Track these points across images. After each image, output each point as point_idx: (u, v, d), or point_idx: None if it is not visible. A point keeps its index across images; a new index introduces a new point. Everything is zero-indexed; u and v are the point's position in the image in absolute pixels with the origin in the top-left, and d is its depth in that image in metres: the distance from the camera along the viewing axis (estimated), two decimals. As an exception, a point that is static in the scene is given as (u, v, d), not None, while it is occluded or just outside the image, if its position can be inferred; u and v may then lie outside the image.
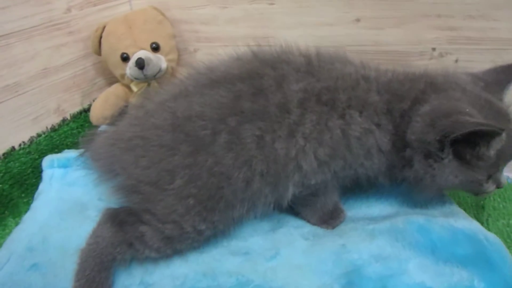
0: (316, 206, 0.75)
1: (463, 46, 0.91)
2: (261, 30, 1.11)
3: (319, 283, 0.63)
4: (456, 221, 0.69)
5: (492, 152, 0.64)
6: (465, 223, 0.69)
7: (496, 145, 0.64)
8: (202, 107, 0.67)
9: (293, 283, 0.64)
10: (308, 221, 0.77)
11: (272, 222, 0.77)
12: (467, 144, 0.63)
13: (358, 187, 0.75)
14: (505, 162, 0.69)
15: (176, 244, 0.67)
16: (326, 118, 0.67)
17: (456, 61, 0.92)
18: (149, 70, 1.04)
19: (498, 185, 0.70)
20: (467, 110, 0.63)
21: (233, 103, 0.67)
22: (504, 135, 0.62)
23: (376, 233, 0.70)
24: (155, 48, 1.08)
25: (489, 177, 0.68)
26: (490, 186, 0.70)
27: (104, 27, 1.09)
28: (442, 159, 0.64)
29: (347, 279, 0.63)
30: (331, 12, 1.00)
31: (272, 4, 1.06)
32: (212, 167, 0.65)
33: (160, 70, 1.07)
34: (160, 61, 1.08)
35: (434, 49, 0.94)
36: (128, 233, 0.66)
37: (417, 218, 0.70)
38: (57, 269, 0.69)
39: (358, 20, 0.98)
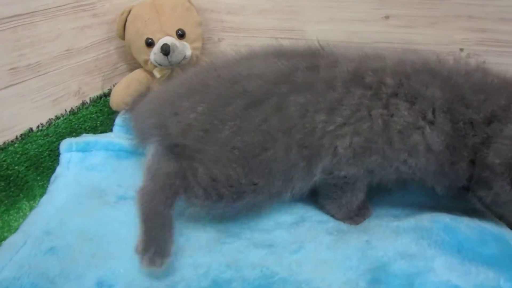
0: (341, 201, 0.74)
1: (492, 48, 0.89)
2: (290, 22, 1.08)
3: (344, 279, 0.62)
4: (482, 221, 0.67)
5: None
6: (492, 223, 0.67)
7: None
8: (263, 69, 0.73)
9: (319, 277, 0.62)
10: (333, 216, 0.76)
11: (295, 216, 0.76)
12: None
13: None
14: None
15: (220, 188, 0.68)
16: (368, 103, 0.66)
17: (484, 62, 0.89)
18: (174, 57, 1.02)
19: None
20: None
21: (289, 72, 0.72)
22: None
23: (400, 231, 0.68)
24: (181, 35, 1.05)
25: None
26: None
27: (130, 11, 1.06)
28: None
29: (372, 276, 0.62)
30: (361, 8, 0.98)
31: (302, -4, 1.04)
32: (260, 125, 0.69)
33: (184, 57, 1.05)
34: (185, 48, 1.05)
35: (462, 49, 0.92)
36: (183, 165, 0.70)
37: (443, 217, 0.68)
38: (75, 253, 0.67)
39: (387, 17, 0.96)
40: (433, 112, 0.65)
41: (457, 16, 0.90)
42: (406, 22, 0.95)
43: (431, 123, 0.65)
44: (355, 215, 0.75)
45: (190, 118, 0.72)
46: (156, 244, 0.63)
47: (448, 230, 0.66)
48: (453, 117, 0.65)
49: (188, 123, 0.72)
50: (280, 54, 0.77)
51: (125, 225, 0.72)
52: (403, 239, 0.67)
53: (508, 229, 0.66)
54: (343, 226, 0.74)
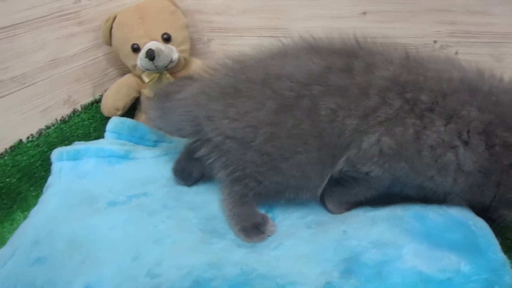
0: (351, 192, 0.73)
1: (462, 39, 0.91)
2: (275, 21, 1.09)
3: (319, 271, 0.63)
4: (449, 208, 0.69)
5: None
6: (457, 209, 0.69)
7: None
8: (293, 68, 0.69)
9: (296, 271, 0.64)
10: (324, 200, 0.76)
11: (274, 213, 0.78)
12: None
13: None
14: None
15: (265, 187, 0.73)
16: (403, 115, 0.64)
17: (456, 53, 0.92)
18: (160, 61, 1.02)
19: None
20: None
21: (322, 72, 0.68)
22: None
23: (376, 220, 0.70)
24: (167, 39, 1.06)
25: None
26: None
27: (115, 17, 1.06)
28: None
29: (345, 266, 0.63)
30: (340, 5, 0.99)
31: (284, -5, 1.05)
32: (291, 129, 0.68)
33: (171, 61, 1.05)
34: (172, 52, 1.05)
35: (435, 41, 0.94)
36: (236, 178, 0.73)
37: (414, 205, 0.70)
38: (63, 261, 0.68)
39: (364, 13, 0.98)
40: (468, 133, 0.63)
41: (428, 10, 0.91)
42: (382, 17, 0.96)
43: (466, 143, 0.63)
44: (345, 209, 0.75)
45: (223, 125, 0.71)
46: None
47: (418, 218, 0.68)
48: (489, 139, 0.63)
49: (222, 132, 0.72)
50: (313, 51, 0.72)
51: (114, 230, 0.73)
52: (378, 228, 0.68)
53: (473, 215, 0.68)
54: (322, 217, 0.74)
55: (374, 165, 0.67)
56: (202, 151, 0.76)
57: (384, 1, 0.94)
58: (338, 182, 0.73)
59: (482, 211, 0.68)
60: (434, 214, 0.68)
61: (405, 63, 0.68)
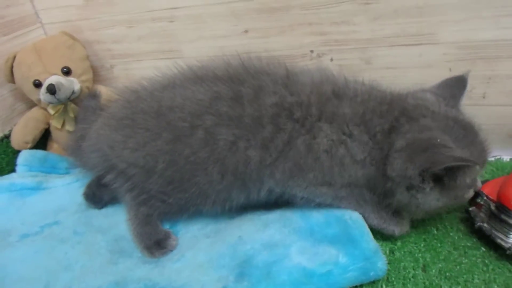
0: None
1: (334, 47, 0.99)
2: (167, 44, 1.14)
3: (217, 277, 0.66)
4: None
5: (468, 180, 0.64)
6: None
7: (472, 174, 0.65)
8: (184, 100, 0.71)
9: (194, 280, 0.67)
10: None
11: (178, 228, 0.81)
12: (446, 173, 0.63)
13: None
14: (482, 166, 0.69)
15: (171, 205, 0.76)
16: (295, 135, 0.67)
17: (331, 59, 1.00)
18: (61, 94, 1.04)
19: (475, 189, 0.70)
20: (439, 140, 0.62)
21: (210, 102, 0.70)
22: (478, 167, 0.64)
23: (269, 222, 0.73)
24: (67, 72, 1.08)
25: (469, 186, 0.68)
26: (470, 193, 0.69)
27: (14, 57, 1.08)
28: (424, 189, 0.64)
29: (240, 270, 0.66)
30: (223, 26, 1.06)
31: (172, 21, 1.10)
32: (189, 157, 0.70)
33: (73, 92, 1.08)
34: (73, 83, 1.08)
35: (312, 51, 1.01)
36: (141, 199, 0.77)
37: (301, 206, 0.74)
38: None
39: (246, 31, 1.04)
40: (347, 126, 0.68)
41: (302, 24, 0.99)
42: (263, 33, 1.03)
43: (350, 135, 0.67)
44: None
45: (124, 155, 0.74)
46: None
47: (304, 217, 0.72)
48: (369, 129, 0.68)
49: (124, 160, 0.74)
50: (199, 80, 0.73)
51: (25, 262, 0.75)
52: (270, 230, 0.71)
53: (349, 210, 0.72)
54: (221, 225, 0.77)
55: (294, 187, 0.71)
56: (108, 177, 0.80)
57: (262, 19, 1.01)
58: None
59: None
60: (317, 212, 0.72)
61: (286, 82, 0.70)
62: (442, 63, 0.92)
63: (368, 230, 0.68)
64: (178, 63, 0.79)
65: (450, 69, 0.92)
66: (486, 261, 0.68)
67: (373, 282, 0.65)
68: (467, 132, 0.67)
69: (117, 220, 0.85)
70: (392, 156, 0.65)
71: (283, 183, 0.70)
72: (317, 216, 0.72)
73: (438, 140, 0.62)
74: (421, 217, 0.72)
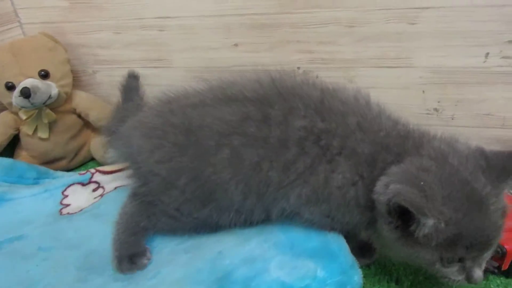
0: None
1: (320, 65, 1.04)
2: (156, 53, 1.15)
3: None
4: None
5: (425, 232, 0.56)
6: None
7: (429, 228, 0.55)
8: (213, 119, 0.70)
9: None
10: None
11: (154, 243, 0.77)
12: (409, 217, 0.56)
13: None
14: (474, 253, 0.58)
15: (177, 223, 0.75)
16: (317, 161, 0.65)
17: (317, 77, 1.04)
18: (36, 98, 1.01)
19: (469, 279, 0.60)
20: (422, 183, 0.56)
21: (239, 123, 0.68)
22: (437, 222, 0.55)
23: (249, 237, 0.71)
24: (44, 75, 1.05)
25: (449, 261, 0.59)
26: (455, 274, 0.61)
27: (-13, 56, 1.02)
28: (390, 223, 0.59)
29: (218, 285, 0.64)
30: (214, 38, 1.08)
31: (162, 30, 1.11)
32: (210, 176, 0.69)
33: (50, 97, 1.04)
34: (50, 88, 1.04)
35: (299, 68, 1.06)
36: (145, 209, 0.76)
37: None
38: None
39: (236, 45, 1.08)
40: (362, 165, 0.64)
41: (290, 42, 1.03)
42: (252, 48, 1.07)
43: (362, 177, 0.63)
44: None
45: (150, 163, 0.73)
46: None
47: (284, 231, 0.71)
48: (375, 167, 0.63)
49: (149, 168, 0.74)
50: (228, 100, 0.71)
51: None
52: (250, 245, 0.69)
53: None
54: (201, 240, 0.74)
55: (304, 211, 0.68)
56: (129, 172, 0.80)
57: (252, 34, 1.05)
58: None
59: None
60: (297, 226, 0.71)
61: (320, 107, 0.67)
62: (417, 85, 1.00)
63: (346, 244, 0.69)
64: (207, 80, 0.80)
65: (423, 91, 1.00)
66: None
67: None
68: (468, 201, 0.57)
69: (88, 234, 0.81)
70: (379, 178, 0.61)
71: (297, 207, 0.69)
72: (296, 230, 0.71)
73: (422, 183, 0.56)
74: (397, 259, 0.70)
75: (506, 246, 0.71)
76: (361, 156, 0.64)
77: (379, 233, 0.64)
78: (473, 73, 0.95)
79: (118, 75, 1.20)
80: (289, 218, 0.71)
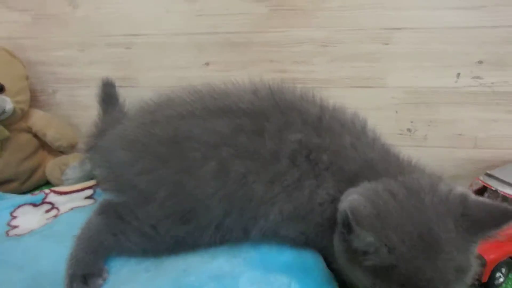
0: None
1: (292, 85, 1.01)
2: (122, 71, 1.10)
3: None
4: None
5: (359, 245, 0.53)
6: None
7: (366, 244, 0.52)
8: (202, 130, 0.66)
9: None
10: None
11: (112, 262, 0.72)
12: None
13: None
14: None
15: (151, 242, 0.69)
16: (305, 176, 0.63)
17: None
18: None
19: None
20: (380, 202, 0.54)
21: (231, 134, 0.65)
22: (380, 245, 0.51)
23: (217, 254, 0.68)
24: None
25: None
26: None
27: None
28: (340, 233, 0.56)
29: None
30: (184, 56, 1.05)
31: (129, 48, 1.07)
32: (192, 190, 0.65)
33: (4, 112, 0.98)
34: (4, 102, 0.99)
35: None
36: (114, 226, 0.69)
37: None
38: None
39: (207, 64, 1.05)
40: (344, 183, 0.62)
41: (263, 61, 1.02)
42: (223, 67, 1.05)
43: (341, 193, 0.60)
44: None
45: (129, 175, 0.69)
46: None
47: (255, 246, 0.68)
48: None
49: (127, 180, 0.69)
50: (220, 112, 0.68)
51: None
52: (218, 261, 0.66)
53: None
54: (162, 259, 0.70)
55: (281, 227, 0.65)
56: (106, 185, 0.76)
57: (224, 53, 1.03)
58: None
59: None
60: (269, 243, 0.68)
61: (317, 125, 0.66)
62: (390, 105, 0.99)
63: (322, 258, 0.67)
64: (196, 88, 0.75)
65: (396, 112, 1.00)
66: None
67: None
68: (420, 240, 0.52)
69: (38, 254, 0.74)
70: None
71: (275, 223, 0.65)
72: (268, 244, 0.68)
73: (380, 202, 0.54)
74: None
75: (485, 257, 0.68)
76: (346, 173, 0.63)
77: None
78: (445, 93, 0.96)
79: (80, 95, 1.16)
80: (265, 236, 0.67)
